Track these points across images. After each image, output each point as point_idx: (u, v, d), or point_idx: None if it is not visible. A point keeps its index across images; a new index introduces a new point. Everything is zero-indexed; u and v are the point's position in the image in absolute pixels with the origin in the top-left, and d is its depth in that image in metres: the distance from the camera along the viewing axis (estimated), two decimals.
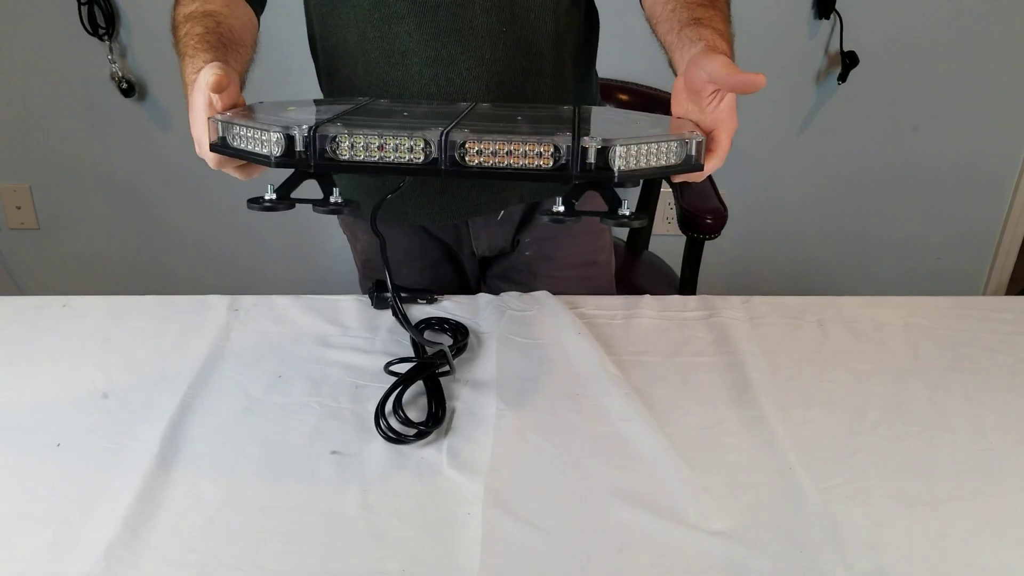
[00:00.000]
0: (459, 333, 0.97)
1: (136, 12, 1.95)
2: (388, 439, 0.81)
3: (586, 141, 0.66)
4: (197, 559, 0.68)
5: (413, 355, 0.92)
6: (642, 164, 0.68)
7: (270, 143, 0.68)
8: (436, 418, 0.83)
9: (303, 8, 1.10)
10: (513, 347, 0.96)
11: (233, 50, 0.89)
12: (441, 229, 1.18)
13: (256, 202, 0.73)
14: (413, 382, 0.87)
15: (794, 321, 1.01)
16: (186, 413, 0.85)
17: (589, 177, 0.67)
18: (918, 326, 1.01)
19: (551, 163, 0.67)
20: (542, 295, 1.05)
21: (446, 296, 1.05)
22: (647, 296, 1.06)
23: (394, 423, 0.82)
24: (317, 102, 0.88)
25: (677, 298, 1.05)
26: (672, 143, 0.71)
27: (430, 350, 0.91)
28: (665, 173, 0.72)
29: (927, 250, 2.33)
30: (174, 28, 0.93)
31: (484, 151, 0.67)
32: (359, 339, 0.97)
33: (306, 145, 0.68)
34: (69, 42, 1.96)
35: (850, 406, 0.88)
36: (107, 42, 1.95)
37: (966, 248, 2.33)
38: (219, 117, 0.75)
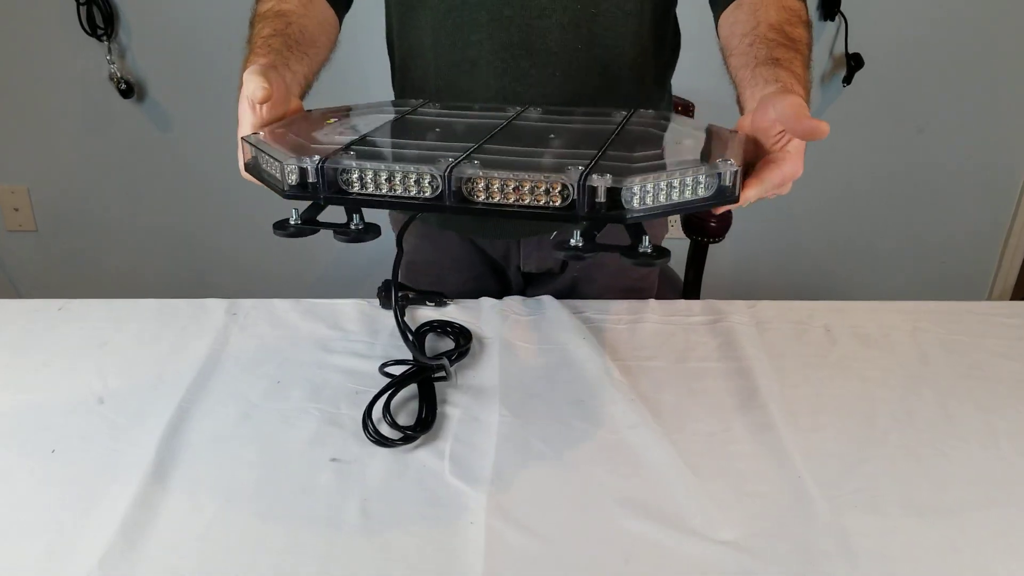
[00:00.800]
0: (462, 337, 0.95)
1: (135, 13, 1.93)
2: (374, 442, 0.80)
3: (594, 180, 0.62)
4: (193, 569, 0.67)
5: (411, 358, 0.91)
6: (661, 200, 0.63)
7: (284, 173, 0.67)
8: (424, 423, 0.81)
9: (384, 6, 1.10)
10: (516, 352, 0.94)
11: (299, 52, 0.88)
12: (490, 243, 1.17)
13: (282, 227, 0.72)
14: (406, 385, 0.86)
15: (800, 326, 1.00)
16: (183, 419, 0.84)
17: (599, 218, 0.63)
18: (926, 331, 1.00)
19: (559, 201, 0.63)
20: (546, 299, 1.03)
21: (455, 300, 1.04)
22: (652, 301, 1.04)
23: (383, 426, 0.81)
24: (361, 109, 0.86)
25: (682, 303, 1.04)
26: (700, 175, 0.65)
27: (429, 353, 0.90)
28: (691, 208, 0.66)
29: (932, 253, 2.32)
30: (250, 23, 0.93)
31: (491, 187, 0.64)
32: (360, 343, 0.95)
33: (317, 176, 0.66)
34: (68, 43, 1.95)
35: (859, 413, 0.86)
36: (106, 43, 1.93)
37: (971, 251, 2.31)
38: (251, 138, 0.73)
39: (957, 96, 2.10)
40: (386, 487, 0.76)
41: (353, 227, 0.72)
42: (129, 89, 1.98)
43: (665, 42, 1.09)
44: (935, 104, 2.11)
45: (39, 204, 2.16)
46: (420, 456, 0.79)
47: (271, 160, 0.69)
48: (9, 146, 2.09)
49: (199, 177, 2.07)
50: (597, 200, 0.62)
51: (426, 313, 1.01)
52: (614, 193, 0.62)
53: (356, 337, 0.97)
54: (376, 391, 0.85)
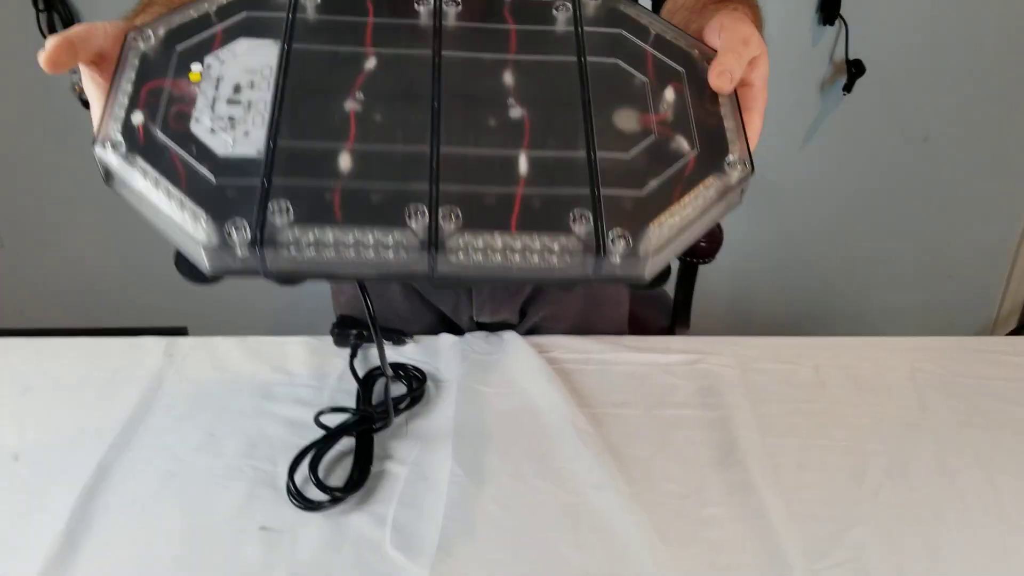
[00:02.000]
0: (416, 380, 0.87)
1: (97, 18, 1.85)
2: (298, 506, 0.72)
3: (613, 247, 0.51)
4: None
5: (353, 406, 0.83)
6: (673, 233, 0.53)
7: (196, 229, 0.50)
8: (355, 483, 0.73)
9: None
10: (474, 397, 0.86)
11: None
12: (438, 295, 1.05)
13: (184, 271, 0.57)
14: (341, 438, 0.78)
15: (788, 366, 0.92)
16: (103, 478, 0.76)
17: (613, 279, 0.53)
18: (924, 371, 0.92)
19: (565, 263, 0.52)
20: (509, 336, 0.95)
21: (416, 336, 0.96)
22: (626, 337, 0.96)
23: (309, 487, 0.74)
24: (227, 25, 0.60)
25: (660, 339, 0.96)
26: (710, 189, 0.55)
27: (378, 399, 0.82)
28: (704, 230, 0.56)
29: (938, 266, 2.23)
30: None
31: (479, 249, 0.51)
32: (305, 388, 0.87)
33: (252, 253, 0.49)
34: (27, 50, 1.86)
35: (848, 468, 0.79)
36: None
37: (979, 264, 2.23)
38: (108, 154, 0.52)
39: (964, 102, 2.01)
40: (317, 561, 0.68)
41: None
42: None
43: None
44: (941, 111, 2.02)
45: (3, 218, 2.08)
46: (359, 523, 0.72)
47: (168, 204, 0.51)
48: None
49: None
50: (613, 261, 0.51)
51: (376, 353, 0.93)
52: (631, 252, 0.51)
53: (302, 381, 0.89)
54: (307, 444, 0.77)
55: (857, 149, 2.06)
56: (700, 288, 1.46)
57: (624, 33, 0.64)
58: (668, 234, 0.53)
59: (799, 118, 2.02)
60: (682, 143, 0.57)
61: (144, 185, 0.52)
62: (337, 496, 0.72)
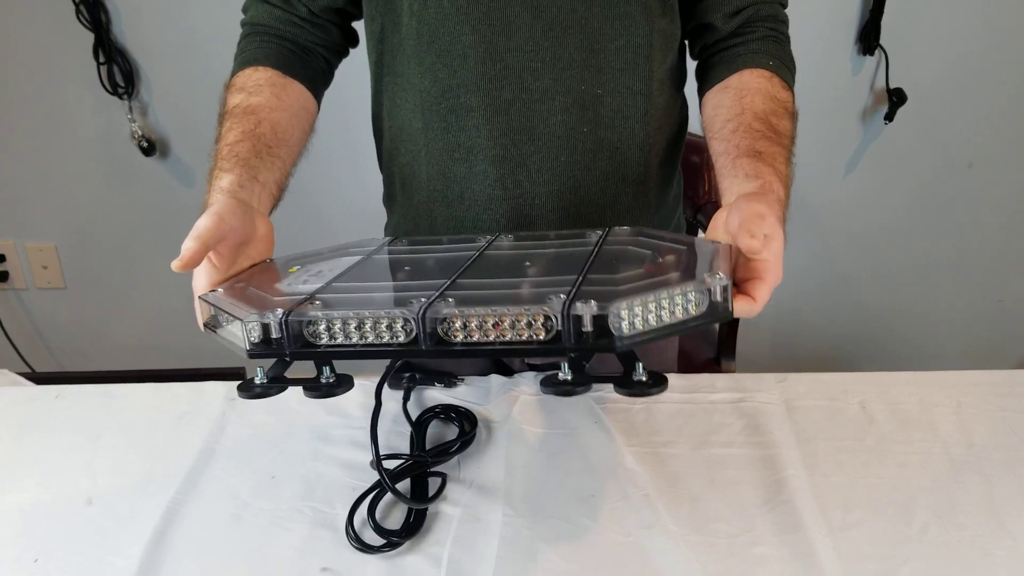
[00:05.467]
0: (467, 423, 0.90)
1: (155, 70, 1.93)
2: (357, 549, 0.75)
3: (578, 308, 0.57)
4: None
5: (407, 446, 0.86)
6: (652, 323, 0.59)
7: (245, 331, 0.63)
8: (411, 527, 0.76)
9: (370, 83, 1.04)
10: (524, 439, 0.89)
11: (269, 157, 0.84)
12: None
13: (247, 389, 0.69)
14: (399, 482, 0.80)
15: (834, 403, 0.93)
16: (171, 522, 0.79)
17: (587, 348, 0.59)
18: (972, 407, 0.92)
19: (543, 334, 0.59)
20: None
21: (466, 378, 0.98)
22: (672, 375, 0.98)
23: (367, 531, 0.76)
24: (325, 253, 0.81)
25: (705, 377, 0.97)
26: (689, 293, 0.61)
27: (432, 443, 0.85)
28: (684, 330, 0.61)
29: (986, 291, 2.21)
30: (219, 119, 0.89)
31: (469, 325, 0.60)
32: (360, 431, 0.90)
33: (281, 331, 0.62)
34: (90, 101, 1.95)
35: (896, 506, 0.79)
36: (127, 101, 1.93)
37: None
38: (208, 297, 0.70)
39: (1008, 129, 2.00)
40: None
41: (324, 380, 0.68)
42: (151, 147, 1.98)
43: (674, 119, 1.03)
44: (984, 137, 2.01)
45: (67, 262, 2.16)
46: (415, 563, 0.74)
47: (230, 318, 0.65)
48: (36, 204, 2.10)
49: None
50: (584, 329, 0.58)
51: (434, 395, 0.96)
52: (601, 320, 0.57)
53: (357, 423, 0.92)
54: (367, 488, 0.80)
55: (901, 177, 2.06)
56: (744, 319, 1.47)
57: (643, 230, 0.78)
58: (640, 311, 0.58)
59: (841, 148, 2.03)
60: (670, 272, 0.65)
61: (225, 313, 0.68)
62: (395, 541, 0.74)
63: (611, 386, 0.94)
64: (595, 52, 0.90)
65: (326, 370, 0.68)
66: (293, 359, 0.65)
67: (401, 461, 0.83)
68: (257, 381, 0.68)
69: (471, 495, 0.81)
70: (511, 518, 0.78)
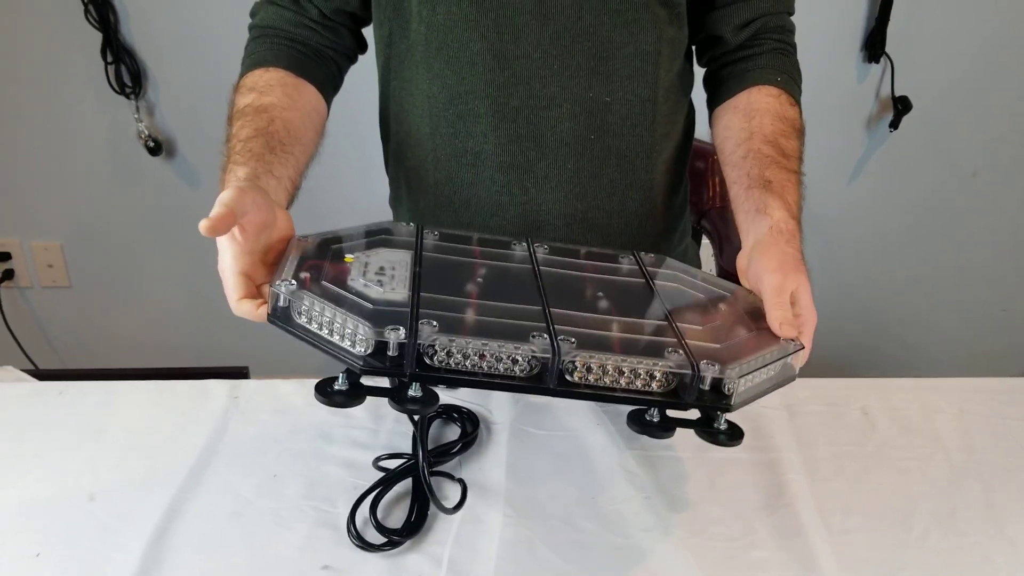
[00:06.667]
0: (469, 423, 0.90)
1: (162, 71, 1.93)
2: (358, 547, 0.75)
3: (704, 368, 0.63)
4: None
5: (410, 450, 0.86)
6: (752, 387, 0.67)
7: (355, 339, 0.62)
8: (412, 526, 0.76)
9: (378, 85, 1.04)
10: (526, 440, 0.89)
11: (283, 153, 0.84)
12: None
13: (325, 394, 0.65)
14: (399, 481, 0.81)
15: (835, 409, 0.93)
16: (173, 519, 0.80)
17: (704, 407, 0.64)
18: (973, 414, 0.92)
19: (663, 386, 0.64)
20: None
21: None
22: None
23: (368, 530, 0.76)
24: (358, 239, 0.78)
25: None
26: (780, 363, 0.69)
27: (434, 443, 0.85)
28: (769, 390, 0.70)
29: (989, 299, 2.21)
30: (228, 120, 0.88)
31: (593, 369, 0.63)
32: (362, 431, 0.91)
33: (401, 351, 0.61)
34: (97, 101, 1.96)
35: (896, 512, 0.79)
36: (134, 101, 1.94)
37: None
38: (282, 288, 0.65)
39: (1013, 137, 2.00)
40: None
41: (411, 395, 0.64)
42: (157, 147, 1.98)
43: (680, 125, 1.03)
44: (990, 146, 2.01)
45: (72, 261, 2.17)
46: (416, 562, 0.74)
47: (329, 319, 0.63)
48: (42, 203, 2.10)
49: None
50: (703, 388, 0.63)
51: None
52: (718, 383, 0.64)
53: (359, 423, 0.92)
54: (368, 487, 0.80)
55: (905, 185, 2.06)
56: None
57: (670, 262, 0.84)
58: (751, 379, 0.66)
59: (845, 155, 2.03)
60: (754, 332, 0.72)
61: (311, 305, 0.64)
62: (396, 540, 0.75)
63: None
64: (603, 60, 0.91)
65: (416, 386, 0.64)
66: (412, 381, 0.63)
67: (402, 461, 0.83)
68: (337, 387, 0.65)
69: (472, 495, 0.82)
70: (511, 519, 0.79)
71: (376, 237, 0.78)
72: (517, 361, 0.62)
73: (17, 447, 0.90)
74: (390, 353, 0.61)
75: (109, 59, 1.90)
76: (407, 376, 0.61)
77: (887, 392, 0.95)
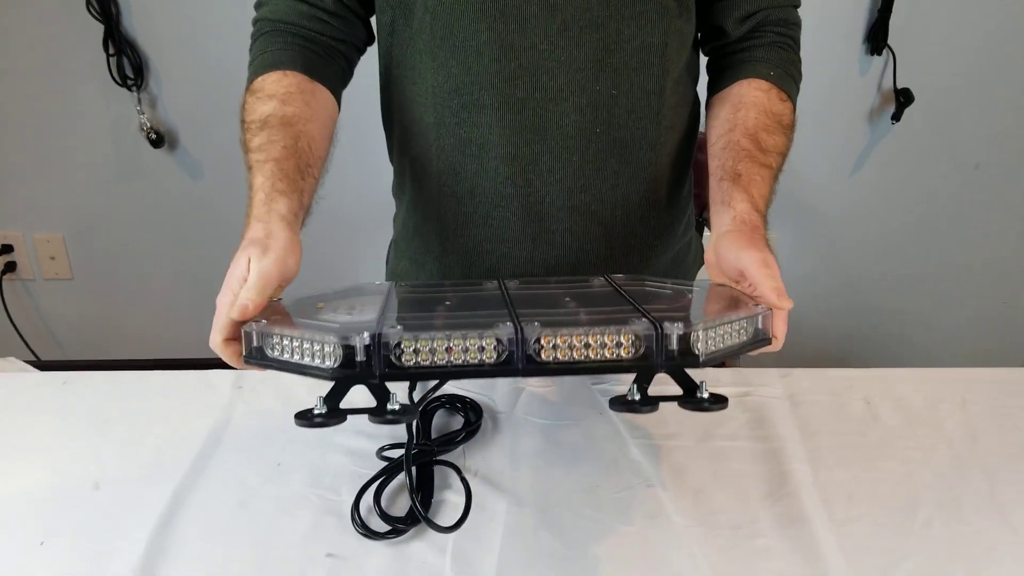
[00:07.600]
0: (472, 413, 0.90)
1: (164, 63, 1.94)
2: (363, 535, 0.76)
3: (668, 327, 0.62)
4: None
5: (413, 436, 0.86)
6: (720, 345, 0.66)
7: (323, 354, 0.62)
8: (414, 515, 0.76)
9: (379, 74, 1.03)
10: (530, 430, 0.89)
11: (310, 177, 0.83)
12: None
13: (305, 418, 0.64)
14: (402, 471, 0.81)
15: (838, 399, 0.93)
16: (178, 508, 0.80)
17: (673, 365, 0.64)
18: (976, 403, 0.92)
19: (631, 352, 0.63)
20: None
21: None
22: None
23: (373, 518, 0.77)
24: (335, 294, 0.80)
25: (710, 371, 0.97)
26: (745, 321, 0.70)
27: (437, 432, 0.85)
28: (740, 351, 0.70)
29: (991, 291, 2.21)
30: (244, 125, 0.86)
31: (560, 345, 0.62)
32: (365, 420, 0.91)
33: (368, 354, 0.61)
34: (99, 93, 1.96)
35: (900, 501, 0.79)
36: (136, 93, 1.94)
37: None
38: (254, 327, 0.67)
39: (1015, 130, 2.00)
40: None
41: (390, 408, 0.64)
42: (159, 139, 1.98)
43: (686, 117, 1.03)
44: (992, 138, 2.01)
45: (74, 253, 2.17)
46: (420, 550, 0.75)
47: (298, 344, 0.63)
48: (44, 196, 2.10)
49: (231, 224, 2.05)
50: (670, 348, 0.63)
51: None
52: (685, 340, 0.63)
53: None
54: (372, 475, 0.81)
55: (907, 177, 2.06)
56: None
57: (642, 278, 0.85)
58: (714, 335, 0.66)
59: (848, 147, 2.03)
60: (720, 303, 0.75)
61: (279, 337, 0.65)
62: (400, 528, 0.75)
63: (618, 378, 0.96)
64: (611, 52, 0.90)
65: (393, 396, 0.65)
66: (383, 381, 0.63)
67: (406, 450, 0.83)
68: (316, 411, 0.64)
69: (476, 484, 0.82)
70: (515, 508, 0.79)
71: (346, 292, 0.81)
72: (484, 349, 0.62)
73: (22, 437, 0.91)
74: (358, 359, 0.61)
75: (111, 51, 1.90)
76: (377, 378, 0.62)
77: (890, 382, 0.96)
